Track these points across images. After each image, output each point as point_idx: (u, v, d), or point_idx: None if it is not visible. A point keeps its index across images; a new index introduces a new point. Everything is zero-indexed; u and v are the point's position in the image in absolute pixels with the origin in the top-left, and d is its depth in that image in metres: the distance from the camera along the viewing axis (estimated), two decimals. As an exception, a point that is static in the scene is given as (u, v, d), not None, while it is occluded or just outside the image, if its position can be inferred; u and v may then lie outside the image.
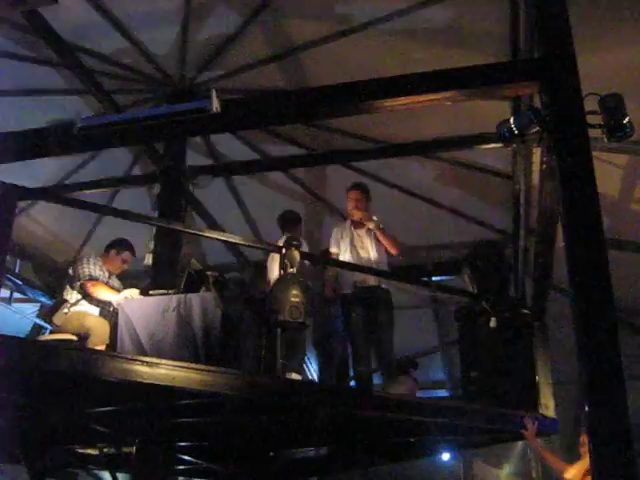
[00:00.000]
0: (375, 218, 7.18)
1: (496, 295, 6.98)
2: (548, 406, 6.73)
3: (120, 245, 6.89)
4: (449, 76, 4.28)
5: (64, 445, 7.31)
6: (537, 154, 5.68)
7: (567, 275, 3.71)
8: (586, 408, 3.42)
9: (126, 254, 6.89)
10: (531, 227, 7.45)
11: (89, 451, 7.48)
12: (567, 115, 4.00)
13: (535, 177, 6.85)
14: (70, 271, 6.64)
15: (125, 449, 6.92)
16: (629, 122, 4.15)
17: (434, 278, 9.17)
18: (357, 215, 7.26)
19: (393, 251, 7.13)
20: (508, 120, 4.25)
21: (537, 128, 4.13)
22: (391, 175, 9.03)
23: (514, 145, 6.57)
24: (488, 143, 7.13)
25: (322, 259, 7.38)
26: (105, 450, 7.38)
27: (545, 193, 5.00)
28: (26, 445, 6.98)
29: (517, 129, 4.16)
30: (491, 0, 6.30)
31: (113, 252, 6.85)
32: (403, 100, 4.30)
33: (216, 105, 4.24)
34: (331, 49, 7.13)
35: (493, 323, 6.66)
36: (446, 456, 7.99)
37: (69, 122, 4.71)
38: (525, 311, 7.04)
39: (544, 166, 4.69)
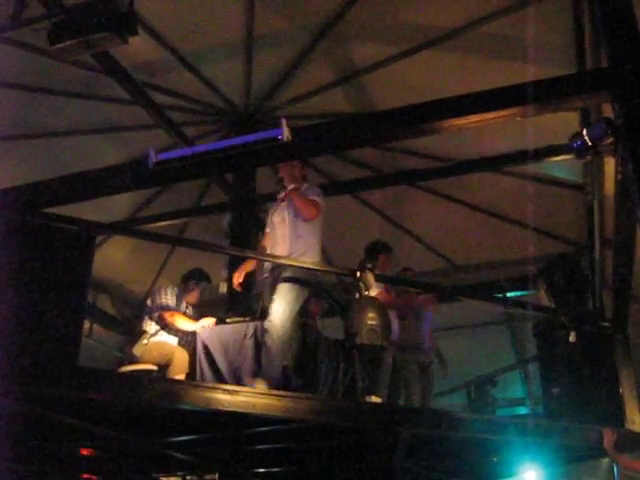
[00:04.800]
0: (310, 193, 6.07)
1: (574, 309, 6.86)
2: (635, 420, 6.51)
3: (197, 276, 6.96)
4: (518, 91, 4.21)
5: (146, 473, 7.40)
6: (610, 164, 5.56)
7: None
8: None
9: (204, 284, 6.97)
10: (606, 238, 7.29)
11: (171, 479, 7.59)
12: (642, 123, 3.91)
13: (608, 187, 6.71)
14: (148, 302, 6.75)
15: (207, 477, 6.98)
16: None
17: (509, 294, 9.05)
18: (281, 174, 6.26)
19: (303, 214, 5.92)
20: (581, 133, 4.18)
21: (611, 139, 4.05)
22: (460, 193, 8.99)
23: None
24: (558, 155, 6.99)
25: (393, 279, 7.30)
26: (187, 478, 7.47)
27: (622, 203, 4.88)
28: (108, 473, 7.11)
29: (591, 141, 4.10)
30: (553, 10, 6.25)
31: (192, 283, 6.89)
32: (473, 118, 4.26)
33: (287, 134, 4.30)
34: (394, 70, 7.17)
35: (573, 337, 6.52)
36: (530, 476, 7.79)
37: (143, 157, 4.82)
38: (605, 324, 6.88)
39: (620, 176, 4.59)
